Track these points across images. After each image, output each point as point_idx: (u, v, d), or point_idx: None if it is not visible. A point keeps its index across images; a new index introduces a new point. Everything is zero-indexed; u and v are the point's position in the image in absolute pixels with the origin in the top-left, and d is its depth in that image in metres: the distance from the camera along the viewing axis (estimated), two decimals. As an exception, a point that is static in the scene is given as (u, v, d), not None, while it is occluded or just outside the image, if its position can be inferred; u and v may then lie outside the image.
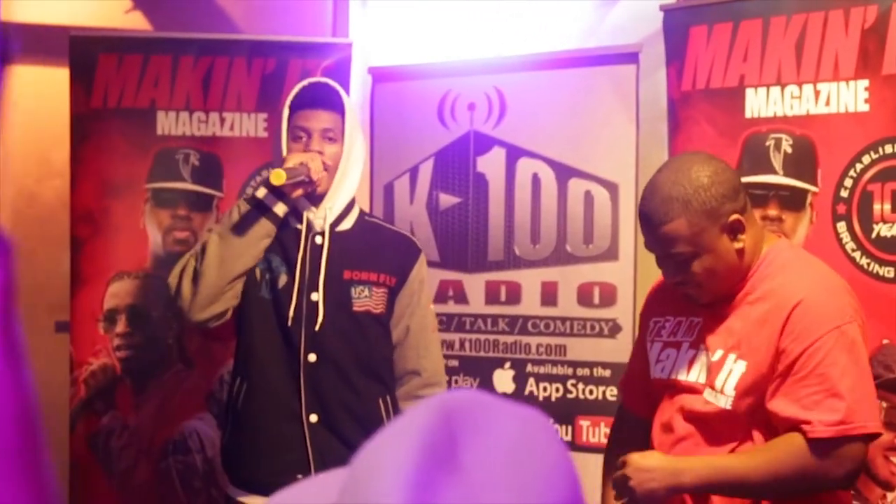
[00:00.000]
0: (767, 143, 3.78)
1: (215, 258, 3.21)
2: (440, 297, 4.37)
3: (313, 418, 3.29)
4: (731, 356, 2.59)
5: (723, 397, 2.58)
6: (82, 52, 4.51)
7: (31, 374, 0.87)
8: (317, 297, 3.29)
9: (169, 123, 4.51)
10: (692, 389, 2.66)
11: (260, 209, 3.25)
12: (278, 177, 3.14)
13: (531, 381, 4.32)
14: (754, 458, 2.53)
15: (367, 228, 3.46)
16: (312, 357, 3.29)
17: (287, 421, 3.30)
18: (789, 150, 3.73)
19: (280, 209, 3.26)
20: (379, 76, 4.69)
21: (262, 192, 3.25)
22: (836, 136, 3.63)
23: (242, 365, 3.38)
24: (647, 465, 2.56)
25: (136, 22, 5.26)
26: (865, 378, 2.51)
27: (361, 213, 3.49)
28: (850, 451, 2.48)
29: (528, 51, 4.69)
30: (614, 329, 4.17)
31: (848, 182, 3.60)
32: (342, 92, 3.37)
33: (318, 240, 3.32)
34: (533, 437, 0.90)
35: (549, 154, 4.31)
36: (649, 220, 2.59)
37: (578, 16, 4.96)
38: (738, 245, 2.58)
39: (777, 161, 3.75)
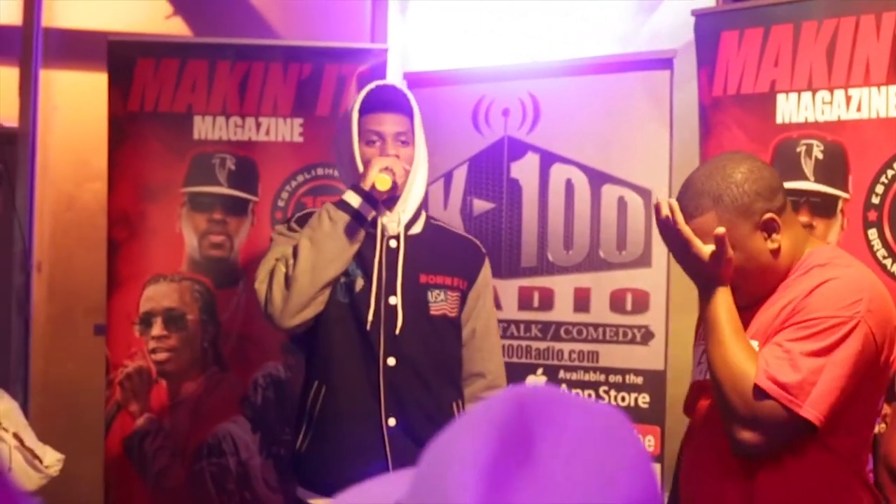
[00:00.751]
0: (798, 149, 3.77)
1: (307, 263, 3.20)
2: (473, 302, 4.37)
3: (392, 422, 3.28)
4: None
5: None
6: (120, 56, 4.54)
7: None
8: (395, 300, 3.30)
9: (205, 128, 4.55)
10: None
11: (352, 215, 3.24)
12: (384, 182, 3.17)
13: (563, 387, 4.31)
14: (735, 341, 2.50)
15: (435, 232, 3.47)
16: (392, 361, 3.29)
17: (366, 425, 3.29)
18: (820, 156, 3.72)
19: (370, 215, 3.27)
20: (414, 81, 4.69)
21: (356, 199, 3.25)
22: (868, 142, 3.62)
23: (320, 369, 3.36)
24: (698, 268, 2.55)
25: (176, 27, 5.31)
26: (833, 375, 2.41)
27: (428, 216, 3.50)
28: (775, 419, 2.41)
29: (561, 56, 4.70)
30: (647, 336, 4.16)
31: (879, 188, 3.59)
32: (409, 94, 3.39)
33: (393, 244, 3.33)
34: (610, 432, 0.91)
35: (582, 160, 4.31)
36: (681, 215, 2.60)
37: (615, 23, 4.97)
38: (772, 245, 2.55)
39: (808, 167, 3.74)
